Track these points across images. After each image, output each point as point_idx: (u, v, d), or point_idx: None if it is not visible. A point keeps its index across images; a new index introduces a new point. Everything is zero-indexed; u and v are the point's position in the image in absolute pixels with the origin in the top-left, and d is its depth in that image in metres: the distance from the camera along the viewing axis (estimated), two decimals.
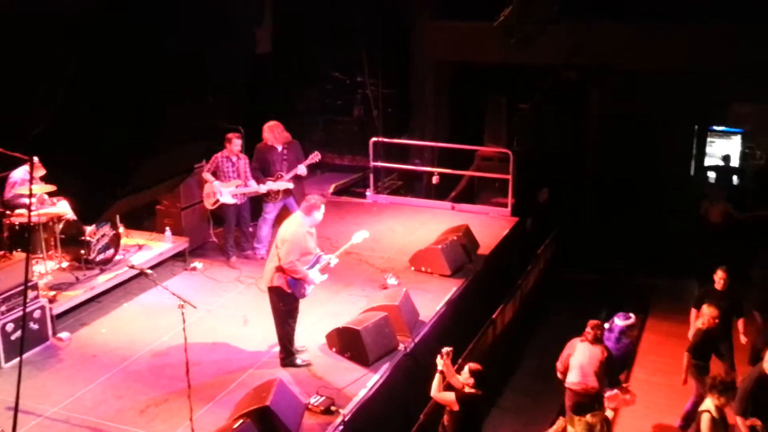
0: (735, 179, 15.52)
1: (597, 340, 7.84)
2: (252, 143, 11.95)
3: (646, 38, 12.84)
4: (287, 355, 7.61)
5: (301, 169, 9.99)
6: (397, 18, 14.51)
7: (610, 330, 8.49)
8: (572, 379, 7.85)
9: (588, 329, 7.86)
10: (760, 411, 7.07)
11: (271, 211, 10.09)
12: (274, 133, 9.96)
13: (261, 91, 12.51)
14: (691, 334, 9.12)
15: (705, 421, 6.66)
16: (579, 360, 7.81)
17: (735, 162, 15.52)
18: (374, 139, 13.21)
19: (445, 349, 6.99)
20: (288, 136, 10.18)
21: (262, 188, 9.92)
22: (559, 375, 8.01)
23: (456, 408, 6.78)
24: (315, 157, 10.14)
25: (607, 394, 7.75)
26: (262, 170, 9.97)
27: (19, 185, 8.58)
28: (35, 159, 7.69)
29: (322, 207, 7.57)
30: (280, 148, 10.02)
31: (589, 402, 7.73)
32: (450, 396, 6.83)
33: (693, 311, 9.11)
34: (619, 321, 8.53)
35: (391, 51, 14.47)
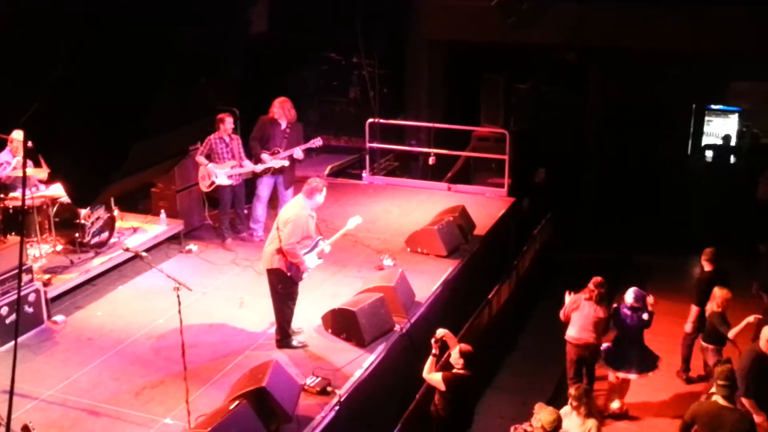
0: (732, 158, 15.52)
1: (600, 297, 8.15)
2: (248, 124, 11.87)
3: (645, 19, 12.74)
4: (283, 336, 7.62)
5: (298, 153, 9.94)
6: None
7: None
8: (572, 334, 8.29)
9: (591, 286, 8.19)
10: (763, 391, 7.10)
11: (263, 187, 10.05)
12: (284, 109, 9.91)
13: (256, 72, 12.43)
14: (688, 327, 9.12)
15: None
16: (580, 316, 8.21)
17: (732, 141, 15.50)
18: (370, 120, 13.16)
19: (440, 332, 7.04)
20: (295, 115, 10.13)
21: (259, 168, 9.89)
22: (562, 318, 8.46)
23: (443, 389, 6.85)
24: (316, 142, 10.10)
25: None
26: (261, 143, 9.92)
27: (7, 165, 8.54)
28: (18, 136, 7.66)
29: (324, 190, 7.54)
30: (283, 125, 9.97)
31: (588, 355, 8.27)
32: (437, 377, 6.90)
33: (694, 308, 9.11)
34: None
35: (387, 31, 14.37)
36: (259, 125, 10.08)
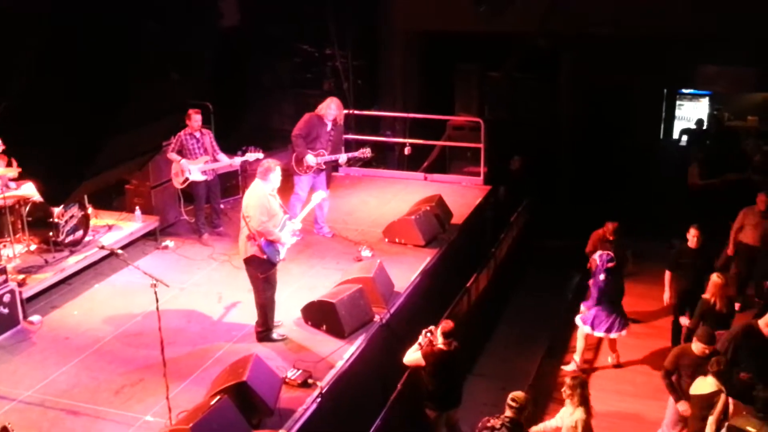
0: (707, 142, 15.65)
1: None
2: (222, 119, 11.79)
3: (615, 4, 12.81)
4: (264, 329, 7.60)
5: (343, 158, 9.70)
6: None
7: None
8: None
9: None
10: (748, 360, 7.26)
11: (303, 185, 9.57)
12: (338, 110, 9.53)
13: (228, 66, 12.33)
14: (666, 297, 9.24)
15: (722, 400, 6.74)
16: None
17: (705, 125, 15.62)
18: (345, 111, 13.09)
19: (432, 328, 7.17)
20: (343, 117, 9.83)
21: (236, 161, 9.81)
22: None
23: (423, 363, 6.99)
24: (365, 152, 9.93)
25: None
26: (306, 141, 9.48)
27: None
28: None
29: (278, 169, 7.42)
30: (329, 127, 9.58)
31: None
32: (417, 355, 7.03)
33: (667, 273, 9.26)
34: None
35: (359, 22, 14.33)
36: (308, 123, 9.52)
